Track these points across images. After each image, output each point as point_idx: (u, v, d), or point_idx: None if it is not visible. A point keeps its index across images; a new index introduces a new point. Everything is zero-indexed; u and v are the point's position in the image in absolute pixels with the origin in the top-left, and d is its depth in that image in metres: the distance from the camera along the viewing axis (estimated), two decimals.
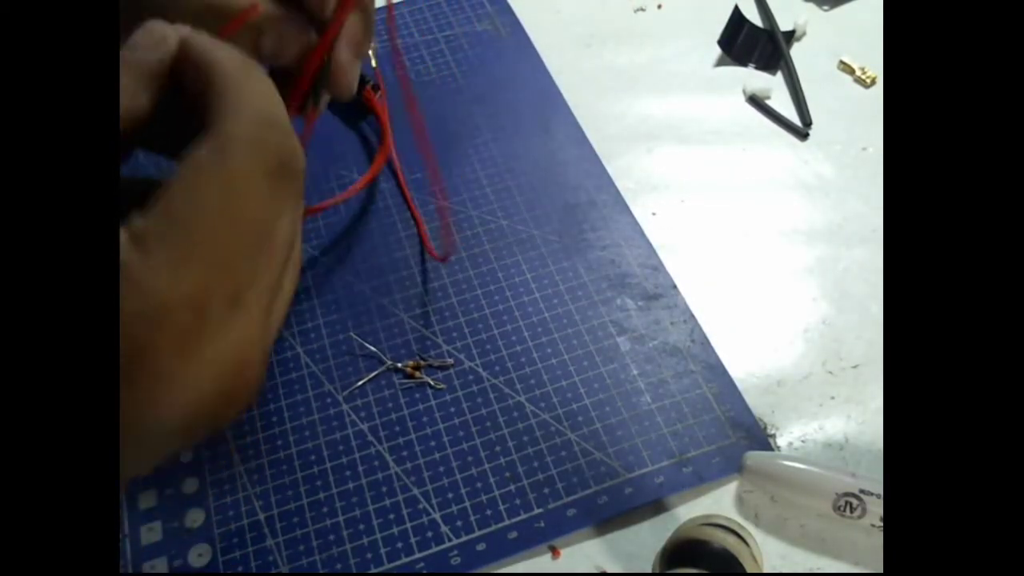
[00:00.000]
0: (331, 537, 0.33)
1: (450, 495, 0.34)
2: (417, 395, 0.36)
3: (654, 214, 0.43)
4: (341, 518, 0.33)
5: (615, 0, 0.53)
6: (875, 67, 0.48)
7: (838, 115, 0.47)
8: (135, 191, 0.20)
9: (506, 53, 0.50)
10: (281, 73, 0.27)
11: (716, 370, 0.37)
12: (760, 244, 0.42)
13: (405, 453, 0.35)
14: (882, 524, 0.31)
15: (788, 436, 0.35)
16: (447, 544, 0.32)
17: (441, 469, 0.34)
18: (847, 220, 0.42)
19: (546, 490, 0.34)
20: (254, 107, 0.21)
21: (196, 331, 0.19)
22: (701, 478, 0.34)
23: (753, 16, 0.51)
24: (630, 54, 0.50)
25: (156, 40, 0.22)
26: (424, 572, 0.32)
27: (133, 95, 0.21)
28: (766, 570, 0.32)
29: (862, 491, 0.31)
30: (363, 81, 0.45)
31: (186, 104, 0.22)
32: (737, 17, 0.49)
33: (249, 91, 0.21)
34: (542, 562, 0.33)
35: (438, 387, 0.36)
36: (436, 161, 0.42)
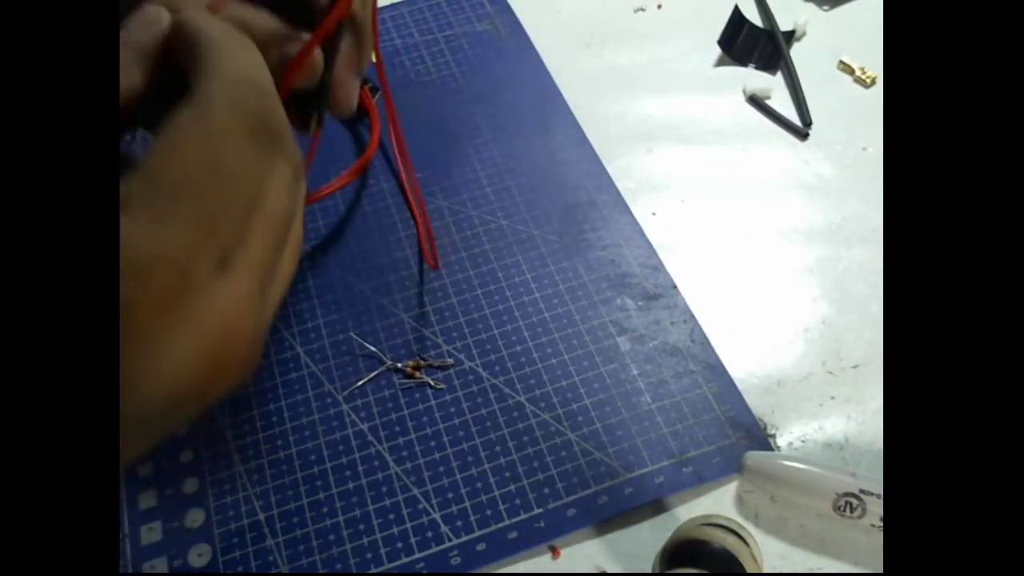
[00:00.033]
0: (331, 537, 0.33)
1: (450, 495, 0.34)
2: (417, 395, 0.36)
3: (654, 214, 0.43)
4: (341, 518, 0.33)
5: (615, 0, 0.53)
6: (875, 67, 0.48)
7: (838, 115, 0.47)
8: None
9: (506, 53, 0.50)
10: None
11: (716, 370, 0.37)
12: (760, 244, 0.42)
13: (405, 453, 0.35)
14: (882, 524, 0.31)
15: (788, 436, 0.35)
16: (447, 544, 0.32)
17: (441, 469, 0.34)
18: (847, 220, 0.42)
19: (546, 490, 0.34)
20: (234, 70, 0.21)
21: (180, 291, 0.19)
22: (701, 478, 0.34)
23: (753, 16, 0.51)
24: (630, 54, 0.50)
25: (150, 20, 0.23)
26: (424, 572, 0.32)
27: (127, 71, 0.22)
28: (766, 570, 0.32)
29: (862, 491, 0.31)
30: (363, 81, 0.45)
31: (183, 81, 0.22)
32: (737, 17, 0.49)
33: (230, 56, 0.22)
34: (542, 562, 0.33)
35: (438, 387, 0.37)
36: (414, 170, 0.42)
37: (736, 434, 0.35)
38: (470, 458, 0.35)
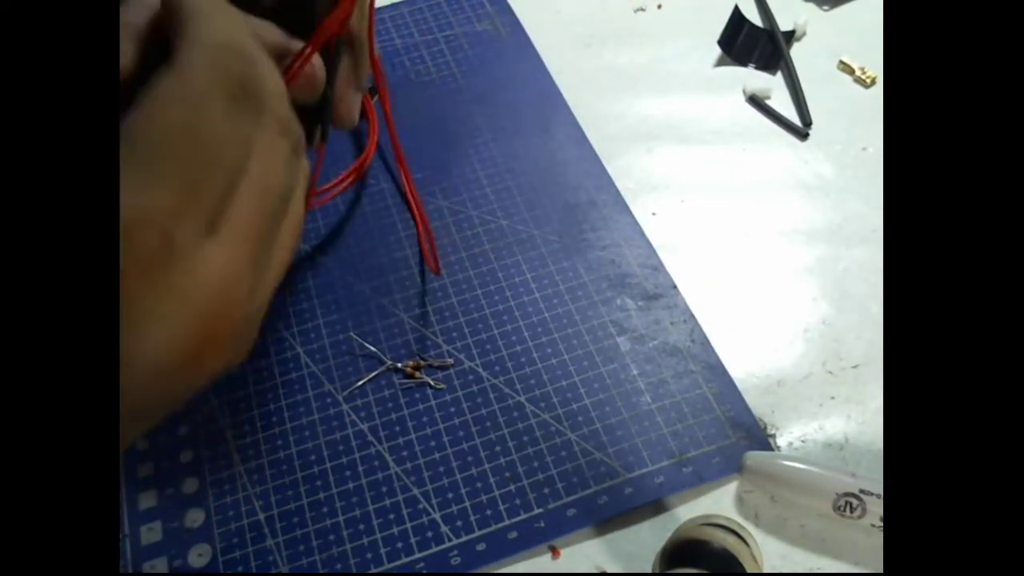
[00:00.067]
0: (331, 537, 0.33)
1: (450, 495, 0.34)
2: (417, 395, 0.36)
3: (654, 214, 0.43)
4: (341, 518, 0.33)
5: (615, 0, 0.53)
6: (875, 67, 0.48)
7: (838, 115, 0.47)
8: None
9: (506, 53, 0.50)
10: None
11: (716, 370, 0.37)
12: (760, 244, 0.42)
13: (405, 453, 0.35)
14: (882, 524, 0.31)
15: (788, 436, 0.35)
16: (447, 544, 0.32)
17: (441, 469, 0.34)
18: (847, 220, 0.42)
19: (546, 490, 0.34)
20: (214, 36, 0.21)
21: (164, 256, 0.19)
22: (701, 478, 0.34)
23: (753, 16, 0.51)
24: (630, 54, 0.50)
25: (145, 2, 0.23)
26: (424, 572, 0.32)
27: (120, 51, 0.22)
28: (766, 570, 0.32)
29: (862, 491, 0.31)
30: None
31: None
32: (737, 17, 0.49)
33: (211, 22, 0.22)
34: (542, 562, 0.33)
35: (438, 387, 0.37)
36: (413, 180, 0.42)
37: (736, 434, 0.35)
38: (470, 458, 0.35)
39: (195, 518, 0.33)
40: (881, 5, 0.52)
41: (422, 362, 0.37)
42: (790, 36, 0.50)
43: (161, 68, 0.20)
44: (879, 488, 0.31)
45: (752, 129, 0.46)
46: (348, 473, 0.34)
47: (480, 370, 0.37)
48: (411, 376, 0.37)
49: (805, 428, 0.36)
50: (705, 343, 0.38)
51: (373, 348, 0.38)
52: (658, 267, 0.40)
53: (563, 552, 0.33)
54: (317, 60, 0.27)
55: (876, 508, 0.31)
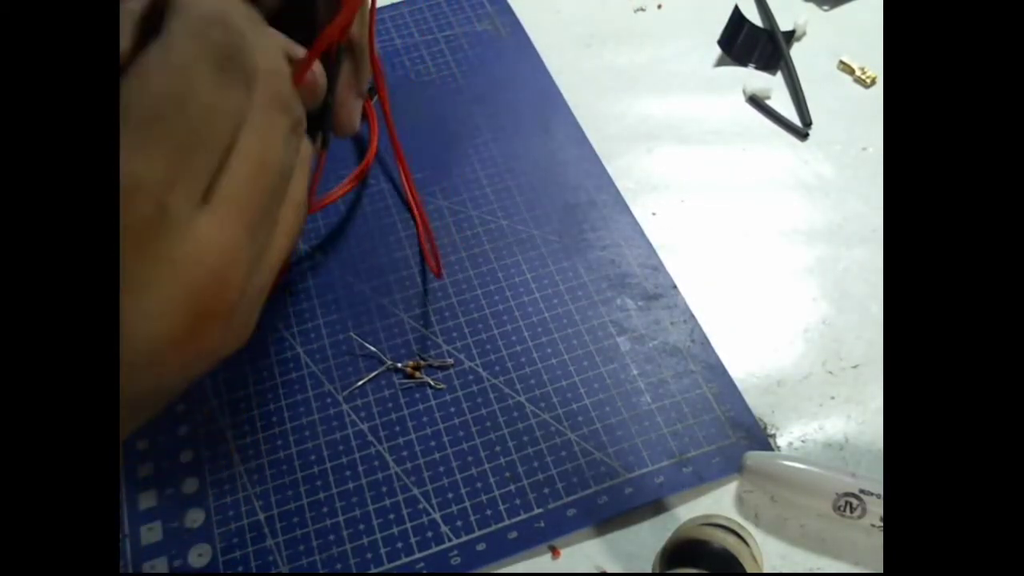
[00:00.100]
0: (331, 537, 0.33)
1: (450, 495, 0.34)
2: (417, 395, 0.36)
3: (654, 214, 0.43)
4: (341, 518, 0.33)
5: (615, 0, 0.53)
6: (875, 67, 0.48)
7: (838, 115, 0.47)
8: None
9: (506, 53, 0.50)
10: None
11: (716, 370, 0.37)
12: (760, 244, 0.42)
13: (405, 453, 0.35)
14: (882, 524, 0.31)
15: (788, 436, 0.35)
16: (447, 544, 0.32)
17: (441, 469, 0.34)
18: (847, 220, 0.42)
19: (546, 490, 0.34)
20: (201, 8, 0.21)
21: (157, 224, 0.19)
22: (701, 478, 0.34)
23: (753, 16, 0.51)
24: (630, 54, 0.50)
25: None
26: (424, 572, 0.32)
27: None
28: (766, 570, 0.32)
29: (862, 491, 0.31)
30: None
31: None
32: (737, 17, 0.49)
33: None
34: (542, 562, 0.33)
35: (438, 387, 0.37)
36: (412, 173, 0.42)
37: (736, 434, 0.35)
38: (470, 458, 0.35)
39: (195, 518, 0.33)
40: (881, 5, 0.52)
41: (422, 362, 0.37)
42: (790, 36, 0.50)
43: (150, 41, 0.20)
44: (879, 488, 0.31)
45: (752, 129, 0.46)
46: (348, 473, 0.34)
47: (480, 370, 0.37)
48: (411, 376, 0.37)
49: (805, 428, 0.36)
50: (705, 343, 0.38)
51: (373, 348, 0.38)
52: (658, 267, 0.40)
53: (563, 552, 0.33)
54: (318, 67, 0.27)
55: (876, 508, 0.31)
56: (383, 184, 0.44)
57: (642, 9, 0.53)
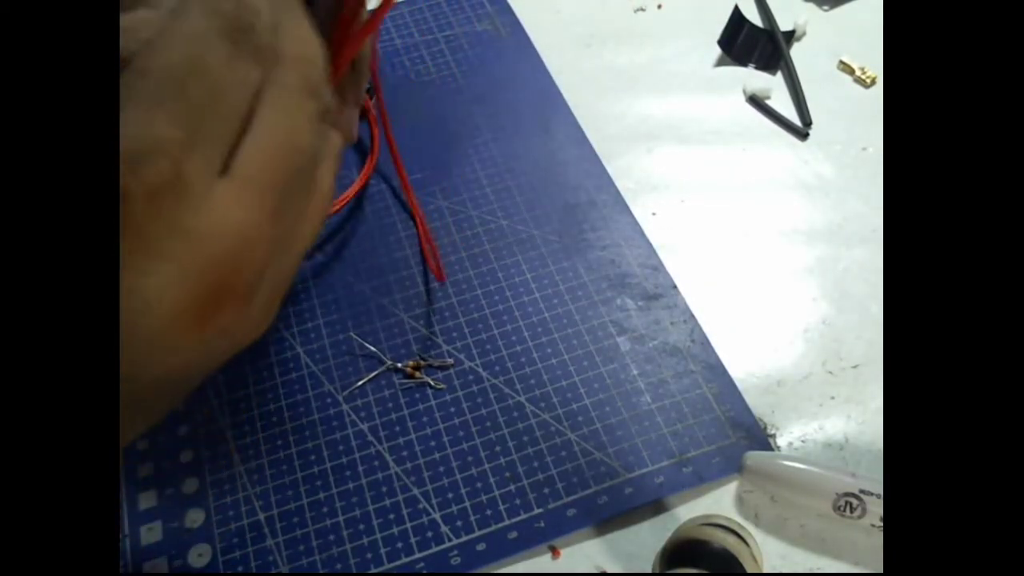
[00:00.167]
0: (331, 537, 0.33)
1: (450, 495, 0.34)
2: (417, 395, 0.36)
3: (654, 214, 0.43)
4: (341, 518, 0.33)
5: (615, 0, 0.53)
6: (875, 67, 0.48)
7: (838, 115, 0.47)
8: None
9: (506, 53, 0.50)
10: None
11: (716, 370, 0.37)
12: (760, 244, 0.42)
13: (405, 453, 0.35)
14: (882, 524, 0.31)
15: (788, 436, 0.35)
16: (447, 544, 0.32)
17: (441, 469, 0.34)
18: (847, 220, 0.42)
19: (546, 490, 0.34)
20: None
21: (174, 187, 0.18)
22: (701, 478, 0.34)
23: (753, 16, 0.51)
24: (630, 54, 0.50)
25: None
26: (424, 572, 0.32)
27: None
28: (766, 570, 0.32)
29: (862, 491, 0.31)
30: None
31: None
32: (737, 17, 0.49)
33: None
34: (542, 562, 0.33)
35: (438, 387, 0.37)
36: (411, 174, 0.42)
37: (736, 434, 0.35)
38: (470, 458, 0.35)
39: (195, 518, 0.33)
40: (881, 5, 0.52)
41: (422, 362, 0.37)
42: (790, 36, 0.50)
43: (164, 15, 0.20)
44: (879, 488, 0.31)
45: (752, 129, 0.46)
46: (348, 473, 0.34)
47: (480, 370, 0.37)
48: (411, 376, 0.37)
49: (805, 428, 0.36)
50: (705, 343, 0.38)
51: (373, 348, 0.38)
52: (658, 267, 0.40)
53: (563, 552, 0.33)
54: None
55: (876, 508, 0.31)
56: (383, 184, 0.44)
57: (642, 9, 0.53)
